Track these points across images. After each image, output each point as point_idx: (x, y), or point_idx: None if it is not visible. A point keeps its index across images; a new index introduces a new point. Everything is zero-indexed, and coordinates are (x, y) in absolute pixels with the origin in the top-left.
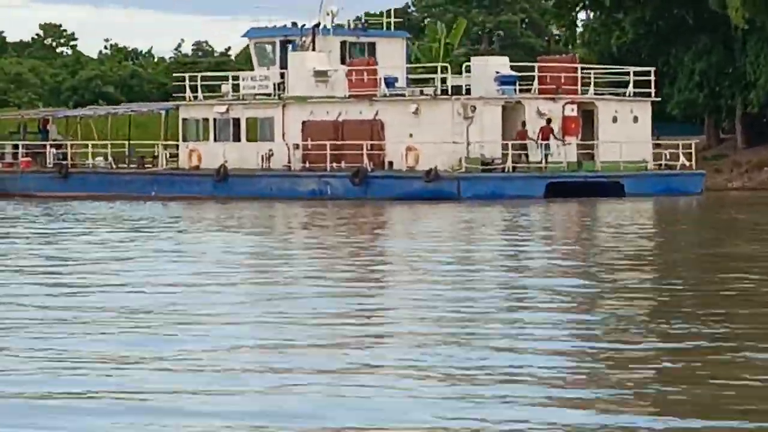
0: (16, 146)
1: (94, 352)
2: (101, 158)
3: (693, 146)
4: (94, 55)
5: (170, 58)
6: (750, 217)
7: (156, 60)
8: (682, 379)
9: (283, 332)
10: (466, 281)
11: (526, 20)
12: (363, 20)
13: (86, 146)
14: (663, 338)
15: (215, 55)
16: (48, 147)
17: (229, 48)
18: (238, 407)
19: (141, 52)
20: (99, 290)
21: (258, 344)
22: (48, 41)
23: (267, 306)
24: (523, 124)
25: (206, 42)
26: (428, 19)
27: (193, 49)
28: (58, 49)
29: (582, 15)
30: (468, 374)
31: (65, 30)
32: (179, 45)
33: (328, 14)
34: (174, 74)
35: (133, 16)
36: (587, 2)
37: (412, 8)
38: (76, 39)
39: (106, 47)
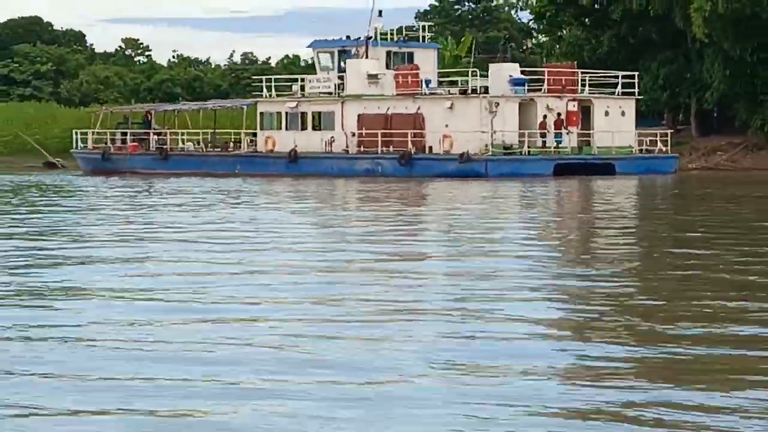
0: (124, 134)
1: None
2: (191, 144)
3: (669, 135)
4: (165, 63)
5: (224, 65)
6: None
7: (213, 67)
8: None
9: None
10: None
11: (507, 36)
12: (404, 34)
13: (180, 134)
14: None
15: (259, 63)
16: (151, 134)
17: (269, 58)
18: None
19: (201, 60)
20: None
21: None
22: (128, 52)
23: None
24: (545, 117)
25: (252, 53)
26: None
27: (241, 58)
28: (136, 58)
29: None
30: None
31: (141, 43)
32: (231, 55)
33: (375, 29)
34: (253, 77)
35: (195, 33)
36: (574, 21)
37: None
38: (150, 50)
39: (173, 57)
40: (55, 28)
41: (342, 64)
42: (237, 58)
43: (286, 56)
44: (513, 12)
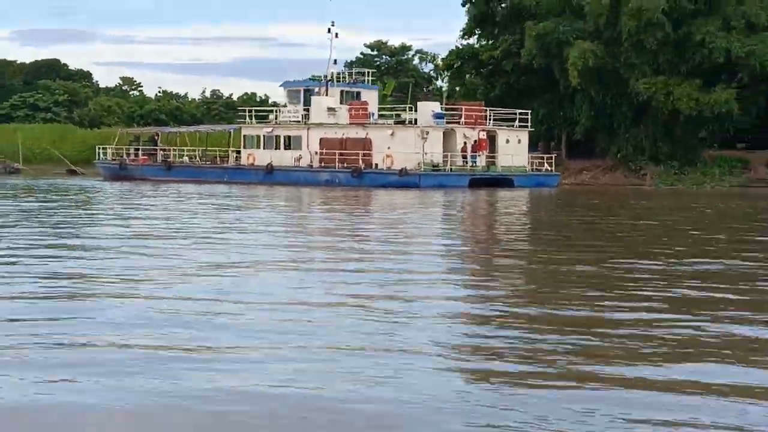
0: (137, 149)
1: None
2: (188, 158)
3: (553, 158)
4: (153, 96)
5: (198, 99)
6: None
7: (190, 100)
8: None
9: None
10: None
11: (414, 82)
12: (354, 77)
13: (180, 150)
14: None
15: (224, 98)
16: (158, 150)
17: (231, 94)
18: None
19: (180, 95)
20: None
21: None
22: (125, 87)
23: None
24: (464, 143)
25: (218, 90)
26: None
27: (211, 94)
28: (131, 92)
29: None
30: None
31: (135, 80)
32: (203, 91)
33: (332, 73)
34: (239, 108)
35: (172, 75)
36: (473, 72)
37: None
38: (141, 86)
39: (159, 91)
40: (69, 68)
41: (307, 99)
42: (208, 94)
43: (245, 93)
44: (420, 64)
